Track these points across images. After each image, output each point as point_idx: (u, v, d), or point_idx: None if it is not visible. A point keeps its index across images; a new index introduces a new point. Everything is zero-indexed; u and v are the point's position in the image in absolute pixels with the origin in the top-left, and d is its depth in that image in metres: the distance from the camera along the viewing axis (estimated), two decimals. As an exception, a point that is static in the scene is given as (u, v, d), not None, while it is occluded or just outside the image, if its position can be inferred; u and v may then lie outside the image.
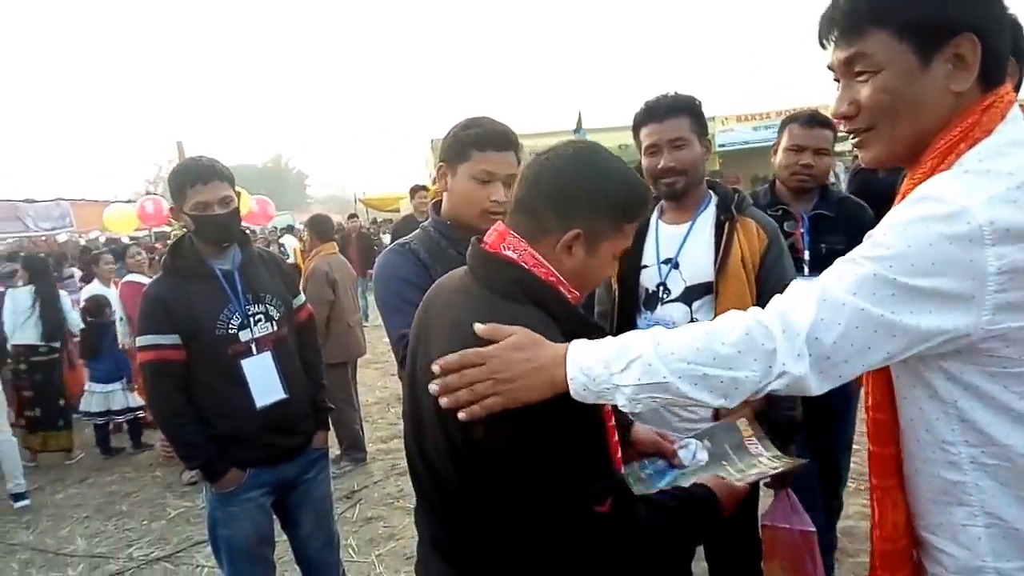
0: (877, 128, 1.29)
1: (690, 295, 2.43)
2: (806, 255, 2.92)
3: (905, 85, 1.23)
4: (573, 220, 1.41)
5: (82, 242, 20.14)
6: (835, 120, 1.44)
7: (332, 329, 5.90)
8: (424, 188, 8.13)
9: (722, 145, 17.40)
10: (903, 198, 1.25)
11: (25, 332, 6.73)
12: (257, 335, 2.69)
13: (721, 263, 2.38)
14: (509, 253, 1.46)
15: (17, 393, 6.88)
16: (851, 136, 1.35)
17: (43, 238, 18.89)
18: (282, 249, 15.79)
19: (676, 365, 1.24)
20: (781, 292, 2.31)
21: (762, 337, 1.21)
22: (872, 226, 1.26)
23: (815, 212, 3.01)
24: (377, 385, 8.70)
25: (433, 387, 1.34)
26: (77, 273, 9.68)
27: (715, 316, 2.33)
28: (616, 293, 2.58)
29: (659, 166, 2.43)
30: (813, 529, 2.37)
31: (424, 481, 1.52)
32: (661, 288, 2.48)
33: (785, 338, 1.19)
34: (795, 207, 3.01)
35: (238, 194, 2.78)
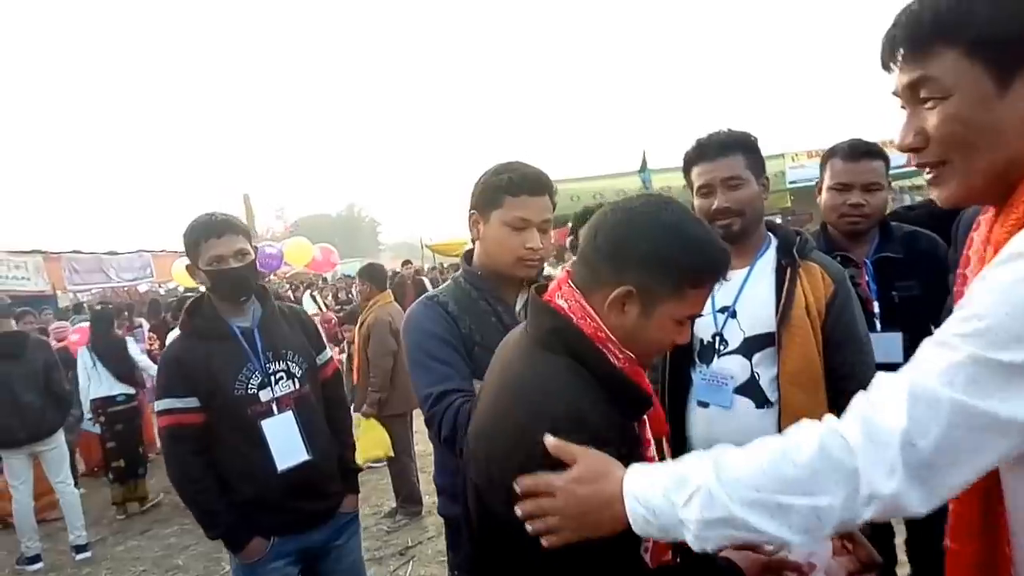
0: (951, 162, 1.09)
1: (750, 347, 2.22)
2: (876, 307, 2.58)
3: (979, 112, 1.03)
4: (626, 276, 1.34)
5: (162, 292, 20.89)
6: (902, 151, 1.22)
7: (396, 379, 5.81)
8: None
9: (793, 182, 16.89)
10: (993, 250, 1.05)
11: (99, 385, 6.90)
12: (278, 394, 2.59)
13: (784, 312, 2.16)
14: (560, 302, 1.41)
15: (102, 446, 7.09)
16: (924, 171, 1.15)
17: (125, 289, 19.69)
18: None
19: (743, 494, 1.05)
20: (850, 345, 2.14)
21: (840, 451, 1.01)
22: (948, 262, 1.05)
23: (878, 256, 2.66)
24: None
25: (518, 510, 1.27)
26: (145, 324, 9.92)
27: (778, 371, 2.19)
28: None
29: (713, 207, 2.24)
30: None
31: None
32: (717, 339, 2.27)
33: (872, 449, 0.99)
34: (854, 252, 2.67)
35: (255, 248, 2.71)
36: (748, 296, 2.25)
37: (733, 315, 2.26)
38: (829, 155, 2.75)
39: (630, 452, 1.34)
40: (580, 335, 1.35)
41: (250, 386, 2.55)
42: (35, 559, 5.76)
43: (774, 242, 2.31)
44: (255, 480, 2.52)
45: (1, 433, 5.56)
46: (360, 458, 5.92)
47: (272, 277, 14.52)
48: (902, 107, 1.14)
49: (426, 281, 14.05)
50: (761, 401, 2.19)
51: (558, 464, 1.22)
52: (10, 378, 5.61)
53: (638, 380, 1.40)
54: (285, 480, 2.52)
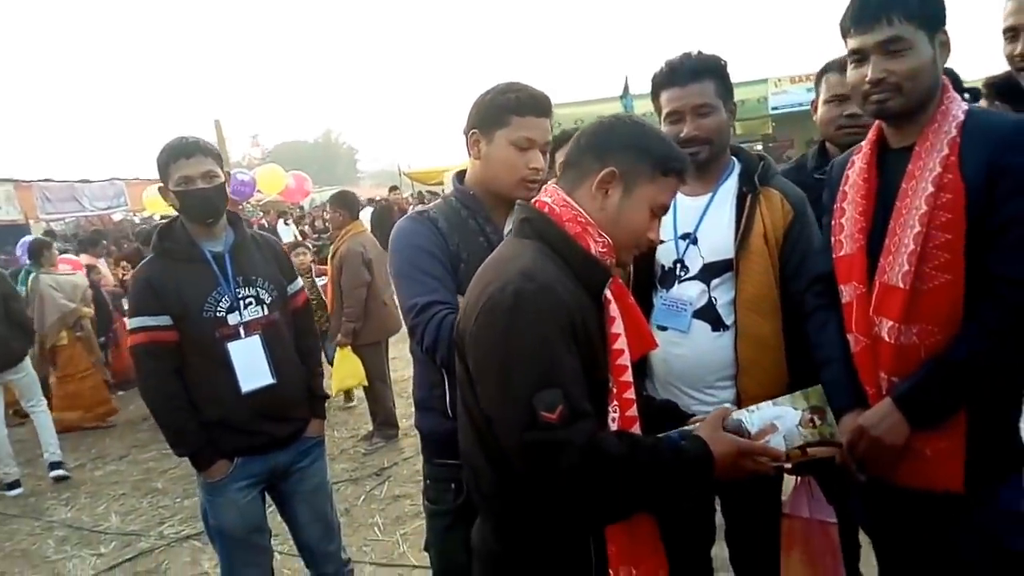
0: None
1: (709, 273, 2.25)
2: None
3: None
4: (608, 159, 1.55)
5: (136, 220, 20.62)
6: None
7: (369, 309, 5.83)
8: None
9: (775, 108, 16.80)
10: None
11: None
12: (246, 319, 2.61)
13: (742, 239, 2.19)
14: (544, 198, 1.61)
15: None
16: None
17: (98, 217, 19.43)
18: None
19: None
20: (806, 270, 2.17)
21: None
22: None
23: None
24: (410, 359, 8.63)
25: None
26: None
27: (736, 295, 2.23)
28: (631, 268, 2.40)
29: (681, 135, 2.21)
30: (835, 521, 2.22)
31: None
32: (678, 265, 2.30)
33: None
34: None
35: (227, 175, 2.68)
36: (709, 223, 2.27)
37: (694, 242, 2.28)
38: (824, 71, 2.71)
39: (585, 322, 1.50)
40: (546, 220, 1.56)
41: (219, 309, 2.57)
42: (15, 484, 5.85)
43: (737, 168, 2.32)
44: (220, 401, 2.56)
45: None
46: (334, 387, 6.02)
47: (246, 204, 14.33)
48: None
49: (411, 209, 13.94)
50: (717, 325, 2.24)
51: (503, 306, 1.43)
52: None
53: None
54: (249, 402, 2.57)
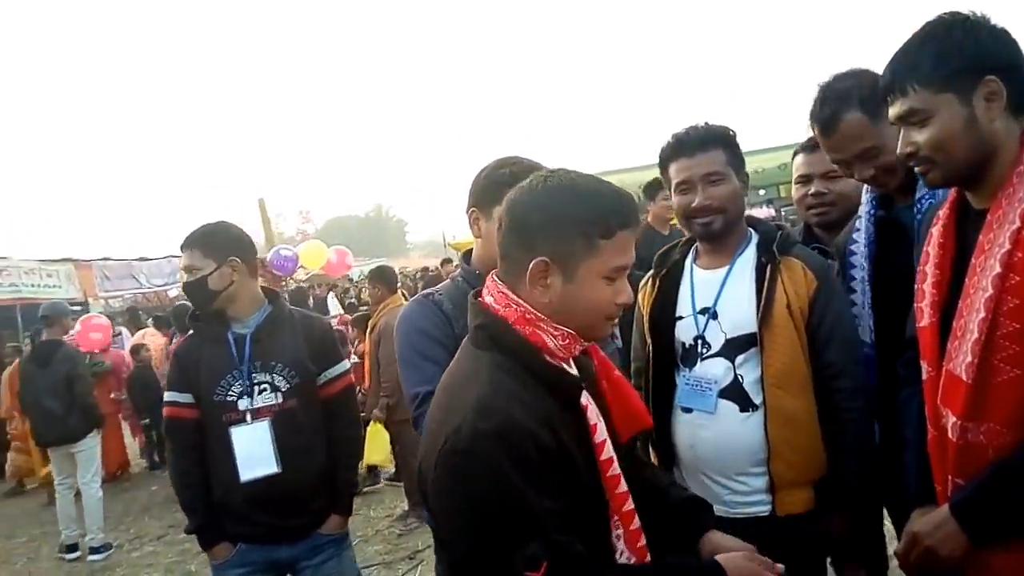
0: None
1: (732, 349, 2.14)
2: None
3: None
4: (536, 249, 1.34)
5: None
6: None
7: (407, 385, 5.74)
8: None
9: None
10: None
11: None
12: (257, 405, 2.56)
13: (764, 312, 2.08)
14: (487, 299, 1.42)
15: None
16: None
17: (155, 294, 20.01)
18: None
19: None
20: (836, 343, 2.05)
21: None
22: None
23: None
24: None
25: None
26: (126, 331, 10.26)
27: (762, 372, 2.11)
28: (650, 348, 2.31)
29: (693, 204, 2.16)
30: None
31: None
32: (700, 342, 2.20)
33: None
34: (830, 242, 2.54)
35: (233, 267, 2.61)
36: (728, 296, 2.18)
37: (714, 316, 2.18)
38: (794, 153, 2.70)
39: (558, 438, 1.32)
40: (503, 327, 1.36)
41: (230, 393, 2.56)
42: (73, 547, 6.23)
43: (755, 239, 2.23)
44: (223, 485, 2.55)
45: (34, 434, 6.48)
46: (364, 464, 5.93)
47: (289, 280, 14.60)
48: None
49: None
50: (746, 404, 2.12)
51: (461, 456, 1.26)
52: (35, 386, 6.22)
53: (568, 363, 1.44)
54: (248, 490, 2.51)
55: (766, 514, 2.11)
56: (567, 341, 1.39)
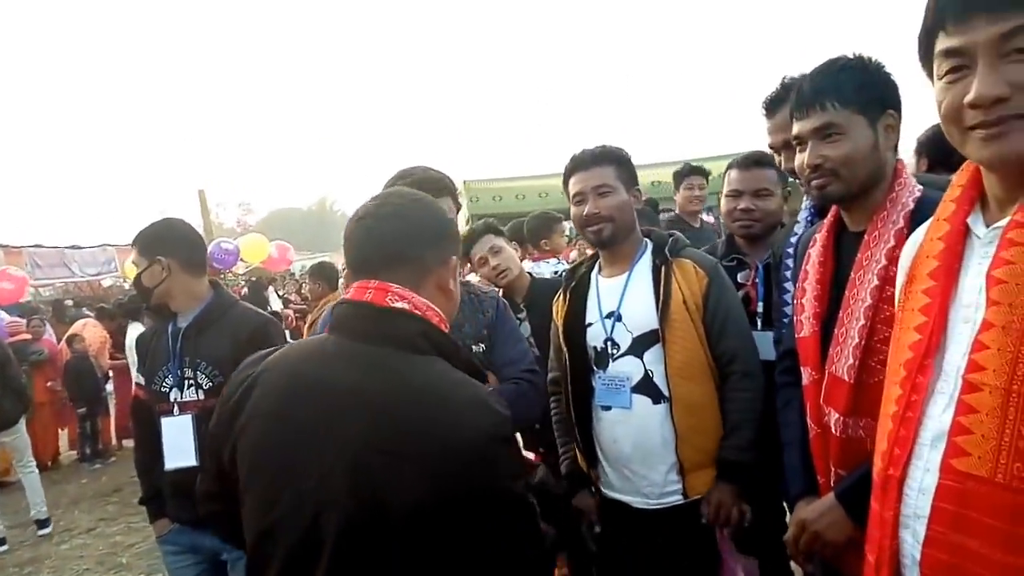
0: None
1: (639, 346, 2.36)
2: (759, 307, 2.67)
3: None
4: (447, 251, 1.45)
5: (126, 286, 20.64)
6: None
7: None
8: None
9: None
10: None
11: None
12: (185, 399, 2.65)
13: (663, 309, 2.32)
14: (400, 305, 1.35)
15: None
16: None
17: (88, 283, 19.44)
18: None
19: None
20: (729, 332, 2.27)
21: None
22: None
23: (768, 260, 2.70)
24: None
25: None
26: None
27: (666, 365, 2.31)
28: (566, 355, 2.51)
29: (584, 213, 2.41)
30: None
31: None
32: (609, 343, 2.42)
33: None
34: (751, 255, 2.77)
35: (162, 265, 2.67)
36: (630, 298, 2.39)
37: (619, 319, 2.39)
38: (727, 168, 2.89)
39: None
40: (439, 331, 1.38)
41: (164, 385, 2.67)
42: (2, 541, 6.23)
43: (650, 246, 2.46)
44: (158, 468, 2.68)
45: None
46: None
47: (226, 273, 14.39)
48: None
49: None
50: (657, 397, 2.32)
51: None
52: None
53: None
54: (171, 478, 2.62)
55: (681, 502, 2.32)
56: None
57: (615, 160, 2.43)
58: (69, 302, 14.63)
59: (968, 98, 1.05)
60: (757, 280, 2.69)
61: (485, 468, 1.22)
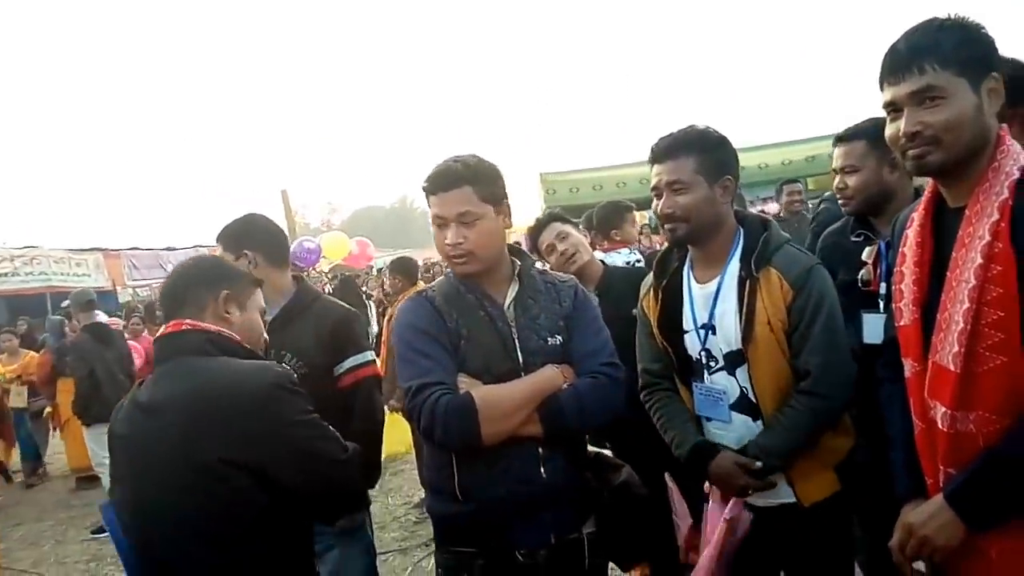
0: None
1: (731, 364, 2.20)
2: (881, 287, 2.41)
3: None
4: (215, 289, 1.92)
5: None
6: None
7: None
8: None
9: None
10: None
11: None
12: None
13: (746, 330, 2.13)
14: (187, 327, 1.87)
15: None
16: None
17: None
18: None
19: None
20: (816, 348, 2.09)
21: None
22: None
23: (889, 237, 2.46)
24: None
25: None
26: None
27: (752, 387, 2.15)
28: (673, 359, 2.34)
29: (658, 210, 2.21)
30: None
31: None
32: (705, 355, 2.25)
33: None
34: (882, 230, 2.49)
35: (247, 259, 2.69)
36: (720, 312, 2.21)
37: (713, 331, 2.22)
38: (834, 143, 2.71)
39: None
40: (224, 338, 1.88)
41: None
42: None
43: (741, 244, 2.23)
44: None
45: (110, 408, 6.15)
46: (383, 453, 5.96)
47: (311, 270, 14.71)
48: None
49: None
50: (756, 415, 2.18)
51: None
52: (107, 361, 6.98)
53: None
54: None
55: (792, 502, 2.16)
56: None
57: (696, 148, 2.16)
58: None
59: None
60: (881, 258, 2.43)
61: (274, 407, 1.75)
